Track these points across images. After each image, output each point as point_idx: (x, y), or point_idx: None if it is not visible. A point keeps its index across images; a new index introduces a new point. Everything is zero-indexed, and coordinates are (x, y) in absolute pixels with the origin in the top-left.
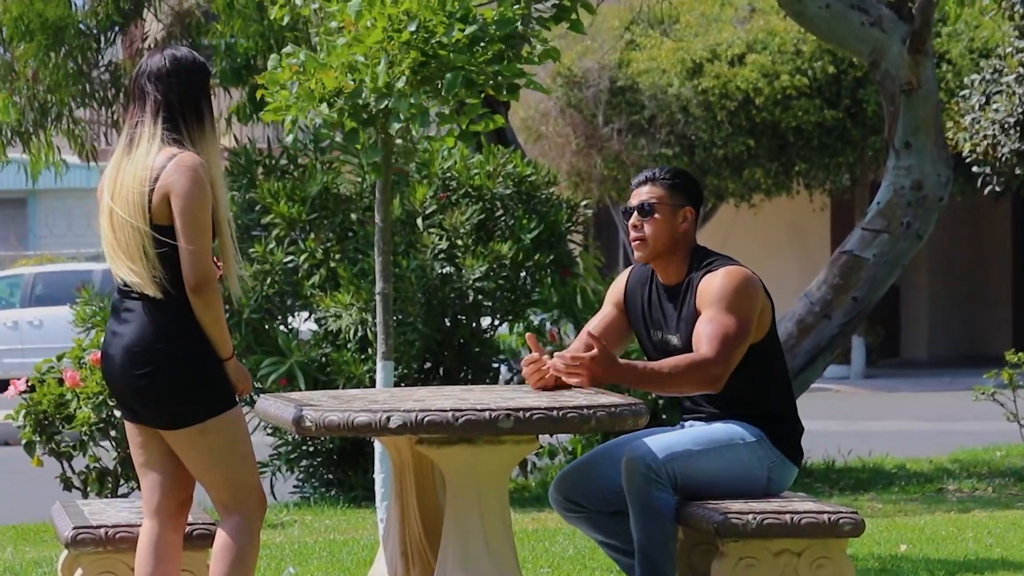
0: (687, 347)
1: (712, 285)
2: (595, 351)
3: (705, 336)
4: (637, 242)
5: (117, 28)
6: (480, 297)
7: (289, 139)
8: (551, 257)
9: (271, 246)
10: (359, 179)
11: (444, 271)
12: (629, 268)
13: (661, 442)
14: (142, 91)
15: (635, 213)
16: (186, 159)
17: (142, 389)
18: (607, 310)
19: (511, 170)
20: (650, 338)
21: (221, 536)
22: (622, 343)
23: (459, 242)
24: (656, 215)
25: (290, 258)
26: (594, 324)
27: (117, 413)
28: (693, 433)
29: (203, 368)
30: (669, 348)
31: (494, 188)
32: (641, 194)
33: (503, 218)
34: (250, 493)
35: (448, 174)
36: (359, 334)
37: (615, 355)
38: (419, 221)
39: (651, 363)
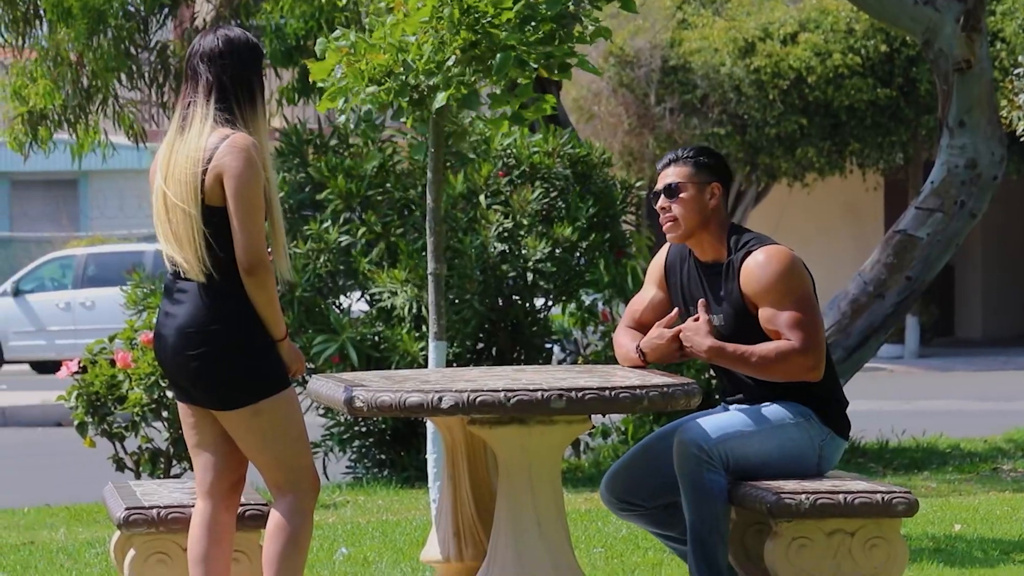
0: (730, 328)
1: (761, 273)
2: (699, 319)
3: (785, 326)
4: (668, 223)
5: (166, 9)
6: (538, 278)
7: (342, 119)
8: (606, 238)
9: (326, 224)
10: (416, 157)
11: (503, 250)
12: (667, 246)
13: (712, 424)
14: (195, 71)
15: (662, 195)
16: (239, 140)
17: (195, 370)
18: (649, 290)
19: (569, 150)
20: (691, 315)
21: (274, 517)
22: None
23: (524, 221)
24: (683, 194)
25: (344, 237)
26: (637, 304)
27: (169, 394)
28: (742, 414)
29: (256, 349)
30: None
31: (553, 167)
32: (667, 176)
33: (559, 198)
34: (303, 474)
35: (508, 152)
36: (414, 311)
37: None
38: (482, 199)
39: (740, 347)
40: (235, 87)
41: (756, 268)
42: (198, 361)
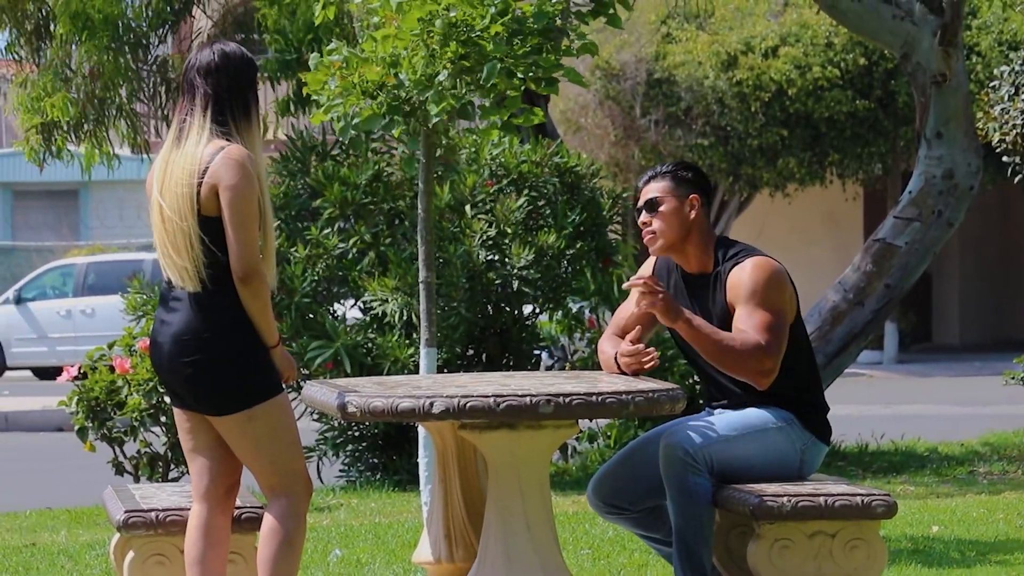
0: None
1: (742, 279)
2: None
3: (752, 327)
4: (649, 237)
5: (168, 25)
6: (523, 285)
7: (342, 136)
8: (593, 246)
9: (326, 231)
10: (407, 170)
11: (489, 258)
12: (653, 257)
13: (697, 428)
14: (191, 85)
15: (644, 211)
16: (234, 152)
17: (190, 377)
18: (634, 299)
19: (558, 160)
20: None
21: (268, 520)
22: (650, 330)
23: (508, 230)
24: (663, 207)
25: (342, 244)
26: (623, 312)
27: (167, 399)
28: (727, 419)
29: (250, 356)
30: None
31: (542, 176)
32: (647, 192)
33: (546, 207)
34: (297, 477)
35: (497, 161)
36: (404, 318)
37: (678, 307)
38: (467, 208)
39: (710, 327)
40: (231, 100)
41: (740, 275)
42: (193, 368)
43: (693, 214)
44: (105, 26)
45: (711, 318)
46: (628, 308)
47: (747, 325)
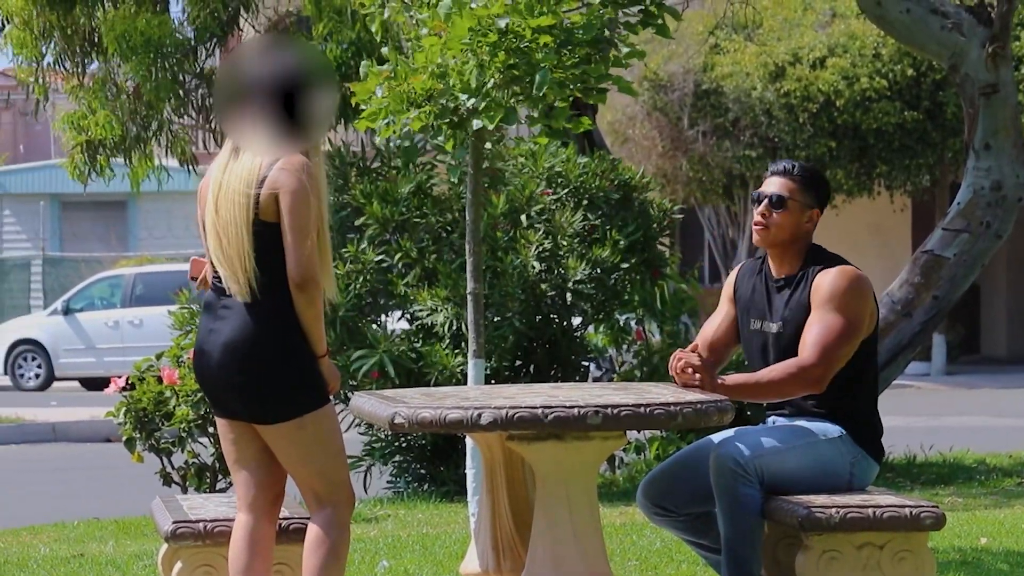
0: (786, 337)
1: (825, 282)
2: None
3: (810, 341)
4: (760, 227)
5: (215, 39)
6: (576, 298)
7: (380, 141)
8: (643, 259)
9: (363, 246)
10: (455, 180)
11: (544, 269)
12: (739, 265)
13: (748, 439)
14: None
15: (766, 201)
16: (294, 160)
17: (241, 385)
18: (723, 307)
19: (617, 176)
20: (749, 326)
21: (313, 529)
22: (730, 348)
23: (563, 242)
24: (785, 209)
25: (382, 257)
26: (712, 324)
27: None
28: (778, 431)
29: (300, 364)
30: (765, 339)
31: (603, 189)
32: (775, 184)
33: (602, 219)
34: (341, 488)
35: (555, 170)
36: (453, 328)
37: (714, 375)
38: (523, 217)
39: (748, 377)
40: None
41: (825, 278)
42: (244, 376)
43: (807, 226)
44: (147, 47)
45: (788, 313)
46: (714, 319)
47: (808, 335)
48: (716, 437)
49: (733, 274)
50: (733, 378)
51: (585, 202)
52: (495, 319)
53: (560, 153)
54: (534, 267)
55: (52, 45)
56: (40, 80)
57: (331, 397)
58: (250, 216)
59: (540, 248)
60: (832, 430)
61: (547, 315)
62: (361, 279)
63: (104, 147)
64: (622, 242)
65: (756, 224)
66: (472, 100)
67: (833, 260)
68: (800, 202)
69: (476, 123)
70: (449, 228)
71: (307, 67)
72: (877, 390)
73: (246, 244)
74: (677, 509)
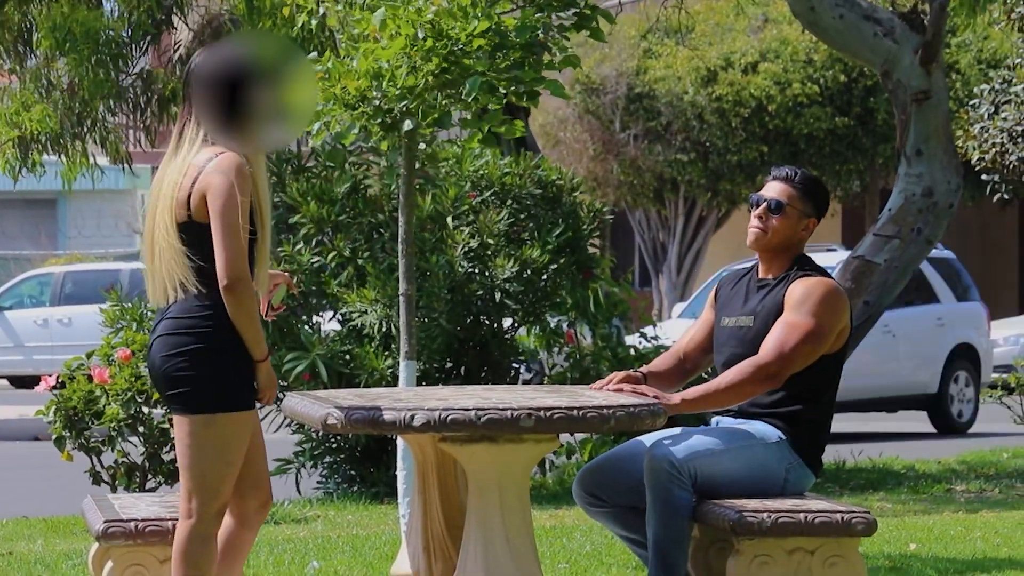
0: (753, 331)
1: (801, 288)
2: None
3: (771, 339)
4: (756, 230)
5: (149, 37)
6: (505, 298)
7: (316, 143)
8: (573, 260)
9: (299, 246)
10: (388, 181)
11: (471, 270)
12: (726, 272)
13: (684, 441)
14: (187, 92)
15: (764, 205)
16: (226, 159)
17: (166, 372)
18: (705, 314)
19: (540, 174)
20: (720, 323)
21: (177, 542)
22: (704, 356)
23: (490, 242)
24: (783, 215)
25: (316, 258)
26: (691, 331)
27: (145, 409)
28: (716, 432)
29: (230, 363)
30: (732, 332)
31: (524, 188)
32: (774, 189)
33: (528, 220)
34: (216, 499)
35: (479, 173)
36: (383, 330)
37: (665, 394)
38: (449, 220)
39: (707, 386)
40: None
41: (802, 286)
42: (169, 363)
43: (803, 235)
44: (86, 40)
45: (761, 309)
46: (694, 324)
47: (771, 334)
48: (654, 435)
49: (719, 281)
50: (693, 391)
51: (510, 202)
52: (424, 320)
53: (483, 156)
54: (462, 267)
55: None
56: None
57: (256, 405)
58: (179, 213)
59: (467, 247)
60: (771, 434)
61: (477, 316)
62: (295, 279)
63: (38, 143)
64: (551, 243)
65: (753, 227)
66: (404, 102)
67: (817, 271)
68: (798, 210)
69: (408, 124)
70: (381, 228)
71: (251, 60)
72: (832, 409)
73: (175, 243)
74: (609, 499)
